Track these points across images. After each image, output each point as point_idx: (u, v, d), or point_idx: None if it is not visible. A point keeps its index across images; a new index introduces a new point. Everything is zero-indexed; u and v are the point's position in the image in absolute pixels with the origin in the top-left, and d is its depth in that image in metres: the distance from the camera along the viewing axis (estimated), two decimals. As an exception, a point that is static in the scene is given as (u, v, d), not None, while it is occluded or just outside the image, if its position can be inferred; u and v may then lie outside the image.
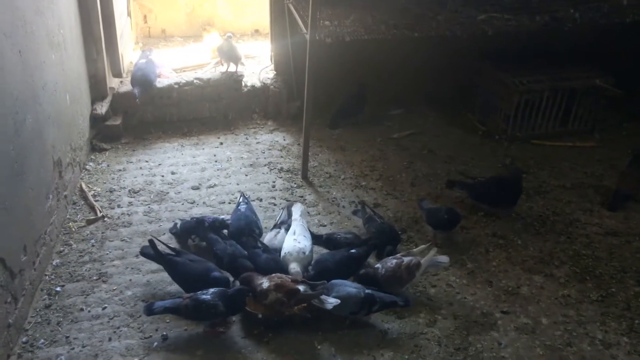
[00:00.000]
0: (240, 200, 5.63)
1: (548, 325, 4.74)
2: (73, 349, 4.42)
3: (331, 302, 4.48)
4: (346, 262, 4.95)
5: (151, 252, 4.84)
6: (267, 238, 5.25)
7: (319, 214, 5.96)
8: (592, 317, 4.83)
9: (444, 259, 5.03)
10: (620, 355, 4.49)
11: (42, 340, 4.49)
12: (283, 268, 4.88)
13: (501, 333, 4.67)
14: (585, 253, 5.49)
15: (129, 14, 8.26)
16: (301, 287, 4.55)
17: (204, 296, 4.42)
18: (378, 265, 4.91)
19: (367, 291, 4.58)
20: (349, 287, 4.59)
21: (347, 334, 4.61)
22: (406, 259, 4.85)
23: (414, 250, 5.09)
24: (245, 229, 5.26)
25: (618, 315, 4.85)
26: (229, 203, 6.05)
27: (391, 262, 4.86)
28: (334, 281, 4.65)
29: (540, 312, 4.87)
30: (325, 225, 5.77)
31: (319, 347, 4.50)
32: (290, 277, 4.68)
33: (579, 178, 6.65)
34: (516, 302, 4.96)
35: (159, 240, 4.98)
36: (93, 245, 5.45)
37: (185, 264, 4.77)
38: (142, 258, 5.27)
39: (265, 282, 4.57)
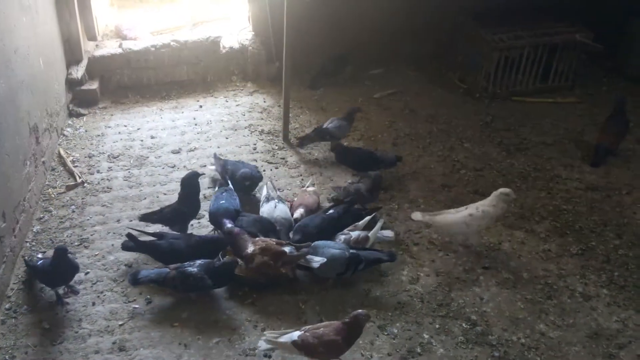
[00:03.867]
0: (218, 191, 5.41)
1: (529, 280, 4.80)
2: (57, 314, 4.41)
3: (317, 260, 4.49)
4: (327, 224, 4.95)
5: (132, 244, 4.73)
6: (267, 211, 5.12)
7: (301, 175, 5.93)
8: (572, 270, 4.89)
9: (388, 233, 5.07)
10: (600, 306, 4.56)
11: (25, 306, 4.48)
12: (269, 228, 4.88)
13: (483, 288, 4.72)
14: (566, 208, 5.54)
15: (102, -25, 8.06)
16: (287, 249, 4.56)
17: (190, 269, 4.39)
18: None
19: (351, 251, 4.59)
20: (333, 248, 4.60)
21: (331, 294, 4.64)
22: (354, 234, 4.86)
23: (359, 223, 5.04)
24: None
25: (598, 268, 4.91)
26: (211, 166, 6.01)
27: (340, 238, 4.86)
28: (317, 243, 4.65)
29: (521, 267, 4.92)
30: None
31: (303, 306, 4.53)
32: (275, 240, 4.67)
33: (559, 134, 6.68)
34: (497, 258, 5.01)
35: (136, 230, 4.92)
36: (73, 211, 5.41)
37: (171, 244, 4.68)
38: (123, 223, 5.26)
39: (250, 246, 4.56)
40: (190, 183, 5.08)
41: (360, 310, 3.85)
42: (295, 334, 3.87)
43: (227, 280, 4.52)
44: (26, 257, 4.76)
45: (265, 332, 4.04)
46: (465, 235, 5.00)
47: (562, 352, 4.20)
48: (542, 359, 4.15)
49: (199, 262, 4.44)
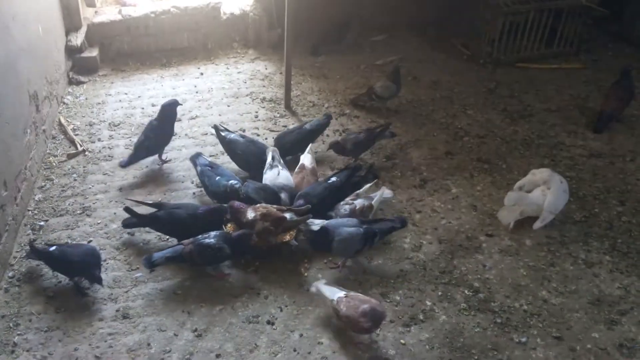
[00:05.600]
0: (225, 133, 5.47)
1: (532, 247, 4.80)
2: (60, 282, 4.42)
3: (317, 223, 4.47)
4: (329, 192, 4.90)
5: (133, 221, 4.70)
6: (270, 179, 5.06)
7: (303, 142, 5.90)
8: (575, 237, 4.88)
9: (388, 193, 5.01)
10: (603, 273, 4.56)
11: (29, 274, 4.48)
12: (273, 197, 4.85)
13: (485, 255, 4.72)
14: (570, 175, 5.51)
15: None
16: (287, 215, 4.54)
17: (207, 240, 4.34)
18: (331, 213, 4.78)
19: (364, 226, 4.48)
20: (348, 226, 4.46)
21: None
22: (358, 203, 4.79)
23: (361, 191, 4.98)
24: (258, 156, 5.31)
25: (601, 235, 4.91)
26: (212, 134, 5.97)
27: (344, 208, 4.78)
28: (329, 223, 4.51)
29: (524, 234, 4.91)
30: (309, 154, 5.73)
31: (305, 274, 4.54)
32: (275, 206, 4.66)
33: (564, 100, 6.62)
34: (500, 225, 4.99)
35: (134, 200, 4.90)
36: (75, 180, 5.39)
37: (171, 215, 4.63)
38: (126, 191, 5.25)
39: (251, 213, 4.55)
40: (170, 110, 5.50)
41: (379, 304, 3.97)
42: (339, 294, 3.99)
43: (244, 249, 4.50)
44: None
45: (321, 279, 4.27)
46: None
47: (564, 319, 4.21)
48: (544, 325, 4.16)
49: (213, 233, 4.40)
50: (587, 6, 7.03)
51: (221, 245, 4.34)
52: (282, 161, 5.22)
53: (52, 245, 4.42)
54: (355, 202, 4.82)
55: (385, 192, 5.00)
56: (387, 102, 6.34)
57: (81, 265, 4.27)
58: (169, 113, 5.54)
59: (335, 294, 4.02)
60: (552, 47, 7.37)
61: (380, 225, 4.58)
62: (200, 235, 4.40)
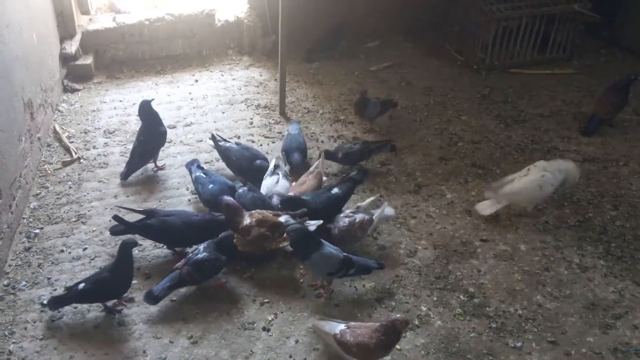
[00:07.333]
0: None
1: (526, 252, 4.81)
2: (55, 290, 4.41)
3: (313, 224, 4.47)
4: (331, 203, 4.80)
5: (122, 227, 4.61)
6: (268, 185, 5.04)
7: (298, 149, 5.91)
8: (570, 242, 4.90)
9: (389, 211, 4.94)
10: (597, 277, 4.58)
11: (24, 283, 4.47)
12: (270, 207, 4.81)
13: (480, 260, 4.73)
14: (563, 180, 5.54)
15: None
16: (283, 219, 4.54)
17: (200, 255, 4.29)
18: (330, 225, 4.68)
19: (344, 254, 4.37)
20: (330, 247, 4.37)
21: (329, 267, 4.64)
22: (358, 217, 4.69)
23: (362, 204, 4.90)
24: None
25: (595, 239, 4.93)
26: (207, 141, 5.98)
27: (344, 220, 4.68)
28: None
29: (518, 239, 4.93)
30: (304, 160, 5.74)
31: (301, 280, 4.54)
32: (271, 211, 4.65)
33: (557, 106, 6.66)
34: (495, 230, 5.01)
35: (124, 208, 4.87)
36: (70, 187, 5.39)
37: (164, 222, 4.56)
38: (121, 198, 5.25)
39: (247, 219, 4.54)
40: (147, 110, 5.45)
41: (397, 315, 3.77)
42: (339, 327, 3.86)
43: (233, 253, 4.46)
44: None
45: (315, 317, 4.13)
46: (534, 201, 5.02)
47: (559, 323, 4.23)
48: (539, 330, 4.18)
49: (202, 246, 4.37)
50: (579, 12, 7.08)
51: (216, 254, 4.31)
52: (285, 171, 5.18)
53: (81, 283, 4.23)
54: (355, 215, 4.73)
55: (388, 209, 4.91)
56: (375, 120, 6.21)
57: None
58: (147, 113, 5.48)
59: (334, 327, 3.90)
60: (544, 53, 7.42)
61: (359, 259, 4.44)
62: (190, 255, 4.36)
